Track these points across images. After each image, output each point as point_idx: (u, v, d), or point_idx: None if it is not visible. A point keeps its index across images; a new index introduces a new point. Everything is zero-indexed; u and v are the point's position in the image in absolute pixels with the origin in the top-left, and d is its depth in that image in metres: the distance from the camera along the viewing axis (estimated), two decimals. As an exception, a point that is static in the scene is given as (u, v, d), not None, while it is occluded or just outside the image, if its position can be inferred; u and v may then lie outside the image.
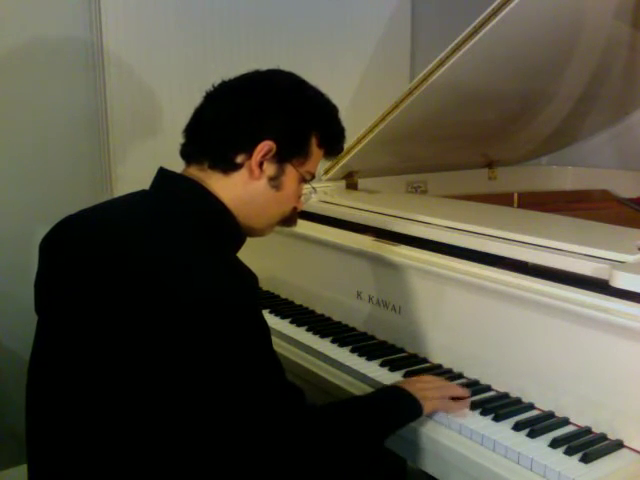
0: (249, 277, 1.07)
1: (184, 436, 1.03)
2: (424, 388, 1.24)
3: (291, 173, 1.17)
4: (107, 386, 1.03)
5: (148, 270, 1.02)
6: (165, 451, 1.03)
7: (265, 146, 1.12)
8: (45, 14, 2.09)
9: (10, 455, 1.87)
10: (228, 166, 1.14)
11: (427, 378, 1.31)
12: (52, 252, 1.16)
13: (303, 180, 1.21)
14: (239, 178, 1.14)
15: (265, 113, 1.14)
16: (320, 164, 1.27)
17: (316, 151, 1.20)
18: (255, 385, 1.03)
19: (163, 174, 1.18)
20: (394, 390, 1.24)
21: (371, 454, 1.22)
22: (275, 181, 1.16)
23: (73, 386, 1.07)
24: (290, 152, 1.16)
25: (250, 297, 1.04)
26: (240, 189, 1.15)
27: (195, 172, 1.15)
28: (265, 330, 1.07)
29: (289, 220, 1.26)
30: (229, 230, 1.16)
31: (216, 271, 1.03)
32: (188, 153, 1.18)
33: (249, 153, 1.13)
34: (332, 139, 1.23)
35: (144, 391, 1.01)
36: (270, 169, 1.15)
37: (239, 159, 1.13)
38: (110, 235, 1.10)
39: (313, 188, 1.27)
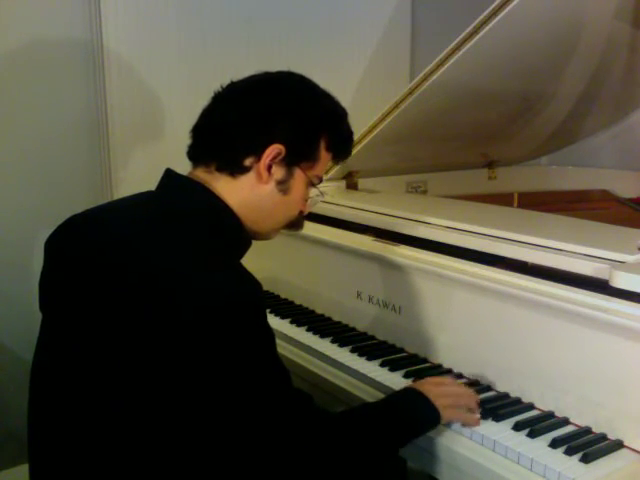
0: (252, 283, 1.06)
1: (189, 442, 1.02)
2: (443, 394, 1.21)
3: (299, 177, 1.16)
4: (109, 388, 1.03)
5: (150, 273, 1.01)
6: (168, 457, 1.03)
7: (274, 149, 1.11)
8: (45, 14, 2.09)
9: (10, 455, 1.88)
10: (236, 169, 1.13)
11: (446, 380, 1.29)
12: (56, 251, 1.16)
13: (311, 184, 1.20)
14: (247, 181, 1.13)
15: (275, 116, 1.12)
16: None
17: (324, 155, 1.19)
18: (260, 391, 1.02)
19: (169, 175, 1.17)
20: (413, 397, 1.20)
21: (385, 463, 1.20)
22: (283, 185, 1.15)
23: (75, 386, 1.07)
24: (299, 156, 1.15)
25: (253, 301, 1.03)
26: (247, 192, 1.14)
27: (202, 174, 1.15)
28: (269, 336, 1.06)
29: (295, 224, 1.26)
30: (234, 234, 1.15)
31: (218, 275, 1.02)
32: (195, 155, 1.17)
33: (258, 156, 1.12)
34: (341, 143, 1.22)
35: (147, 395, 1.01)
36: (278, 173, 1.14)
37: (247, 162, 1.12)
38: (114, 236, 1.09)
39: (321, 192, 1.26)
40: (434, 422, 1.19)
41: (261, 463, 1.03)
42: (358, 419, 1.14)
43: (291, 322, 1.71)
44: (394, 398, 1.24)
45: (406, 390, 1.25)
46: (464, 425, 1.20)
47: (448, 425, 1.21)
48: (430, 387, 1.22)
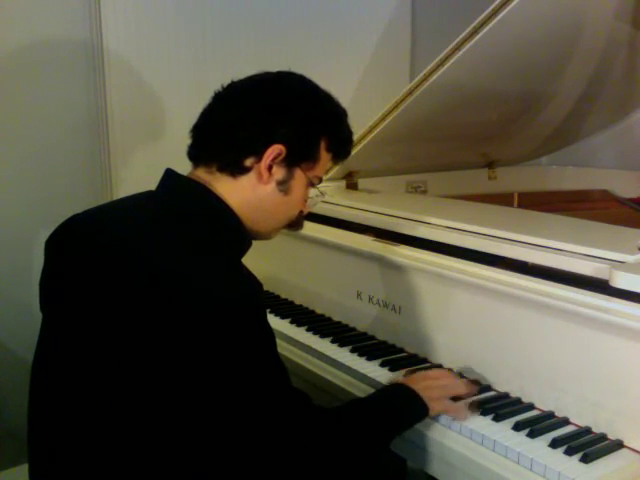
0: (252, 282, 1.07)
1: (188, 441, 1.02)
2: (429, 387, 1.23)
3: (300, 177, 1.16)
4: (109, 388, 1.03)
5: (151, 273, 1.01)
6: (168, 456, 1.03)
7: (275, 150, 1.11)
8: (45, 14, 2.09)
9: (10, 455, 1.88)
10: (237, 169, 1.13)
11: (433, 374, 1.30)
12: (57, 251, 1.16)
13: (311, 184, 1.20)
14: (247, 182, 1.13)
15: (276, 116, 1.12)
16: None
17: (325, 155, 1.19)
18: (258, 390, 1.02)
19: (170, 176, 1.17)
20: (400, 391, 1.22)
21: (376, 456, 1.21)
22: (283, 185, 1.15)
23: (75, 386, 1.07)
24: (299, 156, 1.15)
25: (253, 301, 1.03)
26: (248, 193, 1.14)
27: (202, 174, 1.15)
28: (269, 335, 1.06)
29: (296, 224, 1.26)
30: (235, 234, 1.15)
31: (219, 275, 1.03)
32: (196, 155, 1.17)
33: (258, 157, 1.12)
34: (341, 143, 1.22)
35: (146, 394, 1.01)
36: (279, 173, 1.14)
37: (248, 162, 1.12)
38: (114, 236, 1.09)
39: (321, 192, 1.26)
40: (422, 414, 1.20)
41: (257, 461, 1.03)
42: (349, 416, 1.15)
43: (291, 322, 1.71)
44: (381, 393, 1.25)
45: (393, 385, 1.26)
46: (452, 417, 1.21)
47: (448, 425, 1.21)
48: (417, 381, 1.24)
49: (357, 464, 1.15)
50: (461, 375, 1.40)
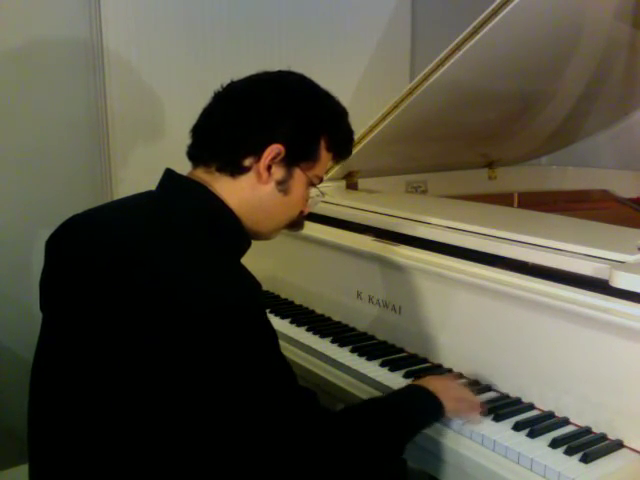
0: (251, 283, 1.06)
1: (192, 443, 1.02)
2: (447, 388, 1.22)
3: (299, 177, 1.16)
4: (110, 388, 1.03)
5: (150, 274, 1.01)
6: (170, 457, 1.02)
7: (274, 149, 1.11)
8: (45, 14, 2.09)
9: (10, 455, 1.88)
10: (236, 169, 1.12)
11: (447, 378, 1.29)
12: (57, 251, 1.15)
13: (311, 184, 1.19)
14: (247, 182, 1.13)
15: (275, 116, 1.12)
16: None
17: (325, 155, 1.18)
18: (263, 391, 1.02)
19: (169, 176, 1.17)
20: (415, 390, 1.22)
21: (392, 459, 1.19)
22: (283, 185, 1.14)
23: (75, 386, 1.06)
24: (299, 156, 1.14)
25: (253, 301, 1.03)
26: (248, 193, 1.13)
27: (202, 175, 1.14)
28: (270, 334, 1.06)
29: (296, 224, 1.25)
30: (234, 234, 1.15)
31: (218, 276, 1.02)
32: (195, 155, 1.17)
33: (257, 156, 1.11)
34: (341, 143, 1.22)
35: (148, 395, 1.01)
36: (278, 173, 1.13)
37: (247, 162, 1.12)
38: (114, 237, 1.09)
39: (321, 192, 1.26)
40: (438, 414, 1.19)
41: (267, 461, 1.03)
42: (363, 415, 1.14)
43: (291, 322, 1.71)
44: (398, 392, 1.24)
45: (409, 385, 1.25)
46: (466, 420, 1.21)
47: (449, 425, 1.21)
48: (433, 381, 1.24)
49: (370, 466, 1.13)
50: (461, 375, 1.40)
